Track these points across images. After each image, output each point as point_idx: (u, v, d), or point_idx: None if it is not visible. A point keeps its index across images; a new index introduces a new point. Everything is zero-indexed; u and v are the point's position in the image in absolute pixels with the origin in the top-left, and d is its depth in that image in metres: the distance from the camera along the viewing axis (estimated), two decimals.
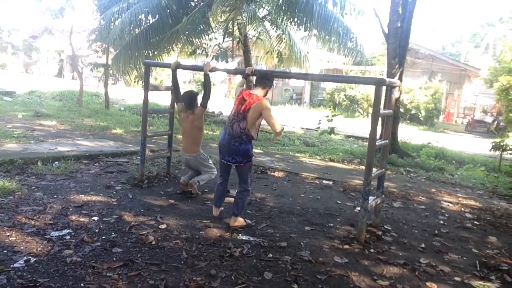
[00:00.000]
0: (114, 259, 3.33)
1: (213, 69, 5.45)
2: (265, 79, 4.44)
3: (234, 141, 4.23)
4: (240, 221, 4.32)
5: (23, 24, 28.22)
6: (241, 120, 4.22)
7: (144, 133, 5.68)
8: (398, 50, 9.67)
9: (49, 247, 3.41)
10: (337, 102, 24.07)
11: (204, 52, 11.87)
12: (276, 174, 7.06)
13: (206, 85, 5.14)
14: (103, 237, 3.74)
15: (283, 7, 10.73)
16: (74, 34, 16.19)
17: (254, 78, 4.68)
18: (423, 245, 4.27)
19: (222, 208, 4.67)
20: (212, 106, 16.26)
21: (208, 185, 5.79)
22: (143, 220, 4.24)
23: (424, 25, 50.91)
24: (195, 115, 5.28)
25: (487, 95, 24.70)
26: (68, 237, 3.67)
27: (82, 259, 3.26)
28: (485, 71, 22.25)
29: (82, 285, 2.88)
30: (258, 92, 4.35)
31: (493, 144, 9.46)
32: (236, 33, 11.51)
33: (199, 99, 5.34)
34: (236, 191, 4.53)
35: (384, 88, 4.36)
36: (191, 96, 5.41)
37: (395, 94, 4.81)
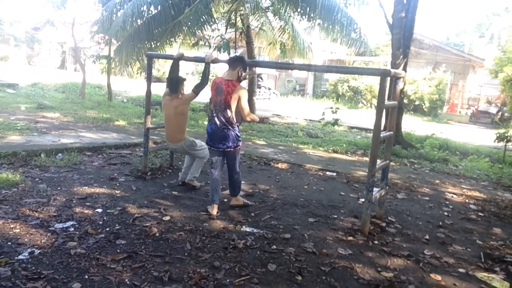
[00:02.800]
0: (118, 251, 3.34)
1: (215, 61, 5.41)
2: (237, 61, 4.47)
3: (222, 129, 4.31)
4: (239, 200, 4.60)
5: (25, 15, 28.20)
6: (224, 110, 4.28)
7: (147, 125, 5.67)
8: (403, 40, 9.57)
9: (53, 239, 3.42)
10: (340, 93, 23.96)
11: (206, 44, 11.82)
12: (279, 165, 7.04)
13: (206, 75, 5.05)
14: (107, 229, 3.75)
15: None
16: (76, 26, 16.13)
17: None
18: (427, 237, 4.26)
19: (218, 204, 4.43)
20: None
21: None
22: (146, 212, 4.25)
23: (428, 16, 50.52)
24: (179, 100, 5.08)
25: (492, 86, 24.53)
26: (72, 229, 3.67)
27: (86, 251, 3.27)
28: (490, 62, 22.10)
29: (86, 277, 2.89)
30: (232, 75, 4.38)
31: (498, 135, 9.39)
32: (239, 24, 11.46)
33: (190, 86, 5.22)
34: (229, 179, 4.60)
35: (388, 79, 4.32)
36: (176, 80, 5.20)
37: (400, 85, 4.76)
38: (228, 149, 4.38)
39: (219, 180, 4.51)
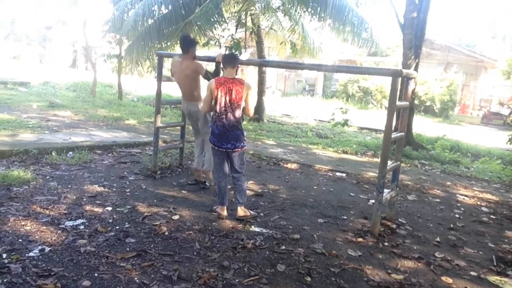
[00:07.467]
0: (128, 249, 3.35)
1: None
2: (232, 57, 4.38)
3: (231, 129, 4.21)
4: (247, 211, 4.34)
5: (37, 15, 28.46)
6: (235, 109, 4.19)
7: (157, 124, 5.68)
8: (414, 41, 9.49)
9: (64, 237, 3.44)
10: (350, 94, 23.87)
11: (217, 43, 11.83)
12: (289, 165, 7.02)
13: (218, 73, 5.08)
14: (117, 227, 3.76)
15: None
16: (88, 25, 16.25)
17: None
18: (438, 239, 4.21)
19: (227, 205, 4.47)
20: None
21: None
22: (156, 211, 4.25)
23: (440, 16, 50.06)
24: (189, 63, 5.12)
25: (504, 87, 24.23)
26: (82, 227, 3.69)
27: (96, 249, 3.28)
28: (502, 62, 21.80)
29: (96, 274, 2.90)
30: (233, 73, 4.27)
31: (510, 136, 9.26)
32: (249, 23, 11.44)
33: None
34: (234, 183, 4.38)
35: (400, 79, 4.28)
36: (187, 39, 5.29)
37: (411, 85, 4.71)
38: (236, 149, 4.25)
39: (226, 184, 4.46)
